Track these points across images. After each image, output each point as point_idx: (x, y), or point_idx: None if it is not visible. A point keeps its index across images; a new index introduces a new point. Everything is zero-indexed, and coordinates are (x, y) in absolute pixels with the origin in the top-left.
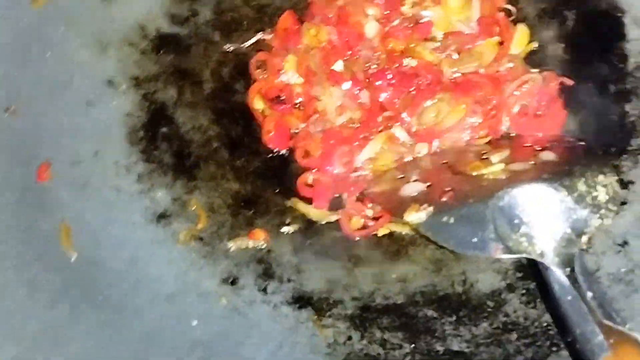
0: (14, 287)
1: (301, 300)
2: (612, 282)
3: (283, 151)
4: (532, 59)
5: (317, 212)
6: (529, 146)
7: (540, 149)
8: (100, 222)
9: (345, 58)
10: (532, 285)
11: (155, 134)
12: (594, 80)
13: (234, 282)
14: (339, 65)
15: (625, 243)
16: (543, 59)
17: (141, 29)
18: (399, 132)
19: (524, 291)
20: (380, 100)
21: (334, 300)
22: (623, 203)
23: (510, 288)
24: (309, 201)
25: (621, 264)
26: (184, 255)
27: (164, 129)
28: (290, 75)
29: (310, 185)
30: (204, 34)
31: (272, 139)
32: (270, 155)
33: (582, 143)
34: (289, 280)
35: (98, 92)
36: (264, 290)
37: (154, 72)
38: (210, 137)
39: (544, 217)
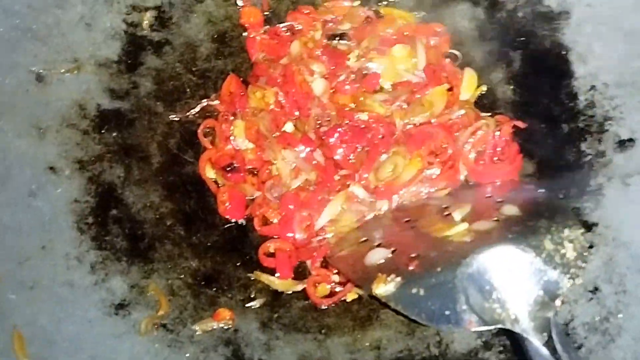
0: None
1: None
2: (588, 332)
3: (241, 221)
4: (483, 104)
5: (281, 283)
6: (489, 197)
7: (501, 200)
8: (55, 323)
9: (294, 118)
10: (508, 342)
11: (105, 219)
12: (546, 121)
13: None
14: (289, 127)
15: (596, 289)
16: (493, 103)
17: (80, 108)
18: (357, 189)
19: (500, 348)
20: (335, 158)
21: None
22: (590, 247)
23: (487, 346)
24: (272, 272)
25: (594, 312)
26: (147, 347)
27: (114, 212)
28: (240, 141)
29: (272, 255)
30: (147, 106)
31: (228, 210)
32: (228, 226)
33: (542, 190)
34: None
35: (40, 181)
36: None
37: (98, 153)
38: (164, 214)
39: (515, 281)
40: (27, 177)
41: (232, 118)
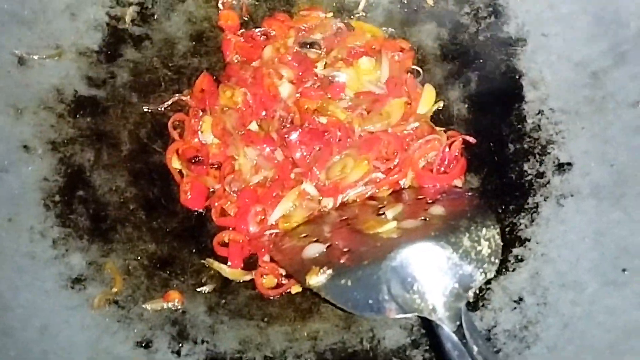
0: None
1: None
2: (508, 339)
3: (200, 211)
4: (438, 119)
5: (232, 272)
6: (422, 198)
7: (431, 201)
8: (12, 290)
9: (260, 118)
10: (435, 341)
11: (71, 198)
12: (495, 140)
13: (147, 346)
14: (253, 126)
15: (520, 299)
16: (448, 119)
17: (58, 92)
18: (308, 187)
19: (427, 347)
20: (294, 157)
21: None
22: (519, 260)
23: (415, 344)
24: (225, 260)
25: (516, 320)
26: (98, 320)
27: (81, 192)
28: (206, 136)
29: (226, 245)
30: (122, 96)
31: (189, 199)
32: (188, 215)
33: (471, 194)
34: (202, 342)
35: (12, 158)
36: (177, 353)
37: (71, 136)
38: (128, 198)
39: (433, 274)
40: (0, 153)
41: (201, 114)
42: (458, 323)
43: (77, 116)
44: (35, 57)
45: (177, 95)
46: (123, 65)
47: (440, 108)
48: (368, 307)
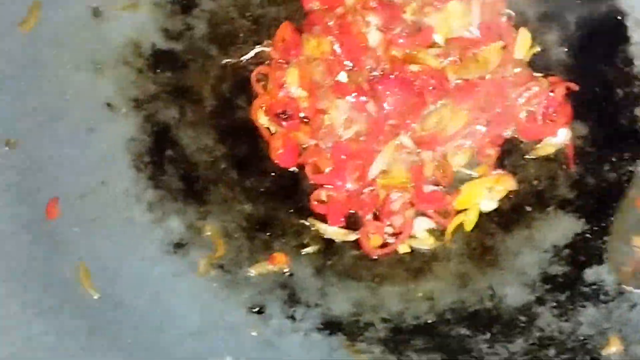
0: (41, 336)
1: (331, 326)
2: None
3: (293, 168)
4: (536, 64)
5: (334, 231)
6: None
7: None
8: (117, 259)
9: (348, 68)
10: (563, 298)
11: (161, 159)
12: (600, 85)
13: (260, 311)
14: (342, 77)
15: None
16: (547, 64)
17: (135, 46)
18: (405, 139)
19: (554, 304)
20: (386, 109)
21: (364, 323)
22: None
23: (540, 301)
24: (324, 219)
25: None
26: (207, 286)
27: (169, 152)
28: (293, 89)
29: (324, 202)
30: (201, 49)
31: (281, 157)
32: (280, 173)
33: None
34: (315, 305)
35: (98, 118)
36: (292, 317)
37: (152, 92)
38: (217, 157)
39: None
40: (85, 112)
41: (285, 65)
42: None
43: (157, 71)
44: (111, 9)
45: (258, 46)
46: (199, 16)
47: (537, 53)
48: None
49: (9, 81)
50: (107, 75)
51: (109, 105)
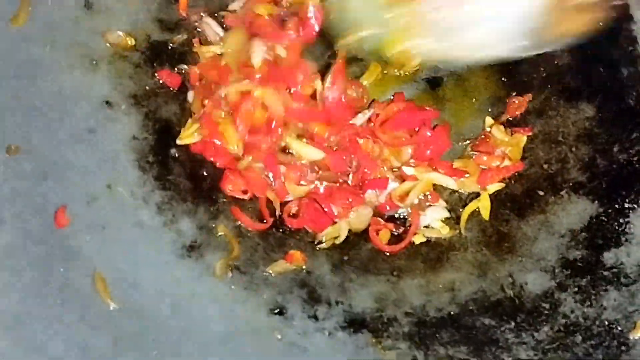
0: (65, 352)
1: (355, 323)
2: None
3: None
4: None
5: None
6: None
7: None
8: (132, 266)
9: None
10: (584, 283)
11: (165, 157)
12: (604, 64)
13: (282, 312)
14: None
15: None
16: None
17: (130, 39)
18: None
19: (576, 289)
20: None
21: (387, 319)
22: None
23: (562, 287)
24: None
25: None
26: (225, 290)
27: (174, 150)
28: None
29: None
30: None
31: None
32: None
33: None
34: (337, 303)
35: (98, 116)
36: (315, 317)
37: (151, 87)
38: None
39: None
40: (84, 112)
41: None
42: None
43: (154, 65)
44: (102, 1)
45: None
46: (194, 5)
47: None
48: None
49: (3, 82)
50: (104, 70)
51: (107, 103)
